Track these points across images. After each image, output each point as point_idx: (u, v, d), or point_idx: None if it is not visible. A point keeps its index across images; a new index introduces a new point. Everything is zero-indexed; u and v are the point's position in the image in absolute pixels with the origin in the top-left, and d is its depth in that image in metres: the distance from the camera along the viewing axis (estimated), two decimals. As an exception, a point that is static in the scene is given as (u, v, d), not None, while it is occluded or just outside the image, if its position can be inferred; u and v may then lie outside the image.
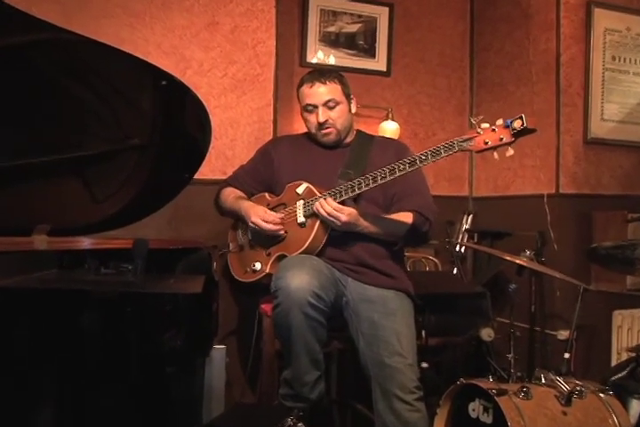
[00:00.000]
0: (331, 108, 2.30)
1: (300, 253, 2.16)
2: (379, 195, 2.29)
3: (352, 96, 2.39)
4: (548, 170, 3.33)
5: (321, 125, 2.31)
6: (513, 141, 1.89)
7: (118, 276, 1.64)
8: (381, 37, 3.64)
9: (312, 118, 2.33)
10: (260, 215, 2.24)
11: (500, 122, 1.90)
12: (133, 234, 2.05)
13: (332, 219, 2.10)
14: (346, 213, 2.09)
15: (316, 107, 2.30)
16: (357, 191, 2.10)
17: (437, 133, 3.77)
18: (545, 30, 3.38)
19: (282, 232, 2.24)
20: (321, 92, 2.29)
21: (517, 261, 2.61)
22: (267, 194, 2.42)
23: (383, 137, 2.72)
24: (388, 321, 2.11)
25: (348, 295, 2.21)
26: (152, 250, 1.69)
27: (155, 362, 1.56)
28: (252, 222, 2.25)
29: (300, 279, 1.99)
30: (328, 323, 2.06)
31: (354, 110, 2.41)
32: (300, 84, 2.35)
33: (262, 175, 2.47)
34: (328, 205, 2.08)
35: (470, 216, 3.72)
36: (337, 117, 2.31)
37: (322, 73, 2.33)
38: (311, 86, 2.30)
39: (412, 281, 2.32)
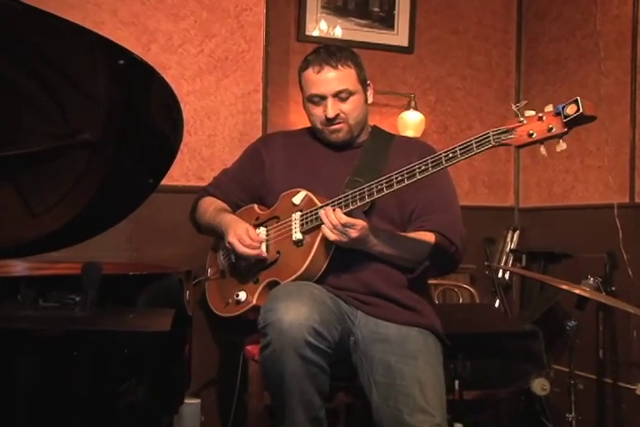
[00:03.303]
0: (343, 100, 2.33)
1: (296, 280, 2.18)
2: (393, 209, 2.31)
3: (369, 82, 2.42)
4: (619, 173, 3.34)
5: (329, 121, 2.34)
6: (565, 132, 1.89)
7: (62, 310, 1.66)
8: (402, 2, 3.68)
9: (318, 111, 2.35)
10: (239, 235, 2.27)
11: (548, 108, 1.91)
12: (82, 256, 2.07)
13: (336, 235, 2.11)
14: (358, 228, 2.11)
15: (323, 98, 2.33)
16: (367, 200, 2.11)
17: (474, 126, 3.81)
18: (618, -10, 3.41)
19: (264, 255, 2.27)
20: (331, 79, 2.31)
21: (578, 292, 2.62)
22: (256, 206, 2.44)
23: (405, 137, 2.74)
24: (409, 367, 2.12)
25: (357, 333, 2.23)
26: (106, 276, 1.71)
27: (107, 421, 1.58)
28: (229, 243, 2.28)
29: (296, 312, 2.00)
30: (331, 369, 2.07)
31: (370, 100, 2.43)
32: (304, 67, 2.37)
33: (251, 182, 2.49)
34: (335, 218, 2.10)
35: (516, 233, 3.74)
36: (350, 111, 2.34)
37: (331, 53, 2.34)
38: (318, 71, 2.32)
39: (440, 316, 2.33)
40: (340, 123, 2.34)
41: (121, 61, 1.76)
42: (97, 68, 1.82)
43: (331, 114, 2.31)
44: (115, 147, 2.00)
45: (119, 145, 2.00)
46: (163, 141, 2.07)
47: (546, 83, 3.78)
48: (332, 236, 2.11)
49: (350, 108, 2.33)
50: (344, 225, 2.09)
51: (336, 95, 2.31)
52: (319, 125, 2.37)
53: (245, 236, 2.26)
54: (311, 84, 2.33)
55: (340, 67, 2.31)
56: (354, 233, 2.11)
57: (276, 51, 3.32)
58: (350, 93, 2.32)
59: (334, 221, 2.10)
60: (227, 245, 2.30)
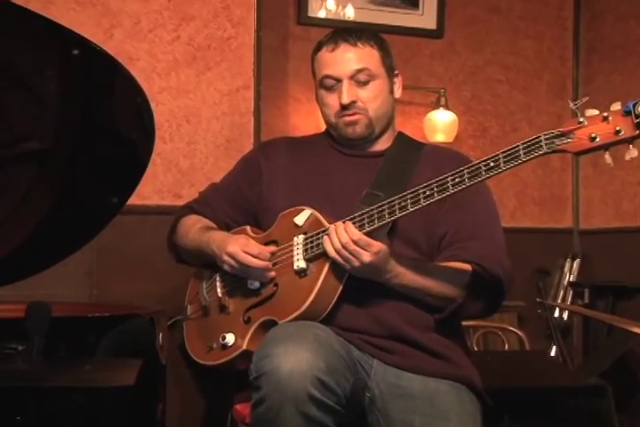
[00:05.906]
0: (361, 85, 2.33)
1: (298, 319, 2.17)
2: (419, 233, 2.30)
3: (397, 72, 2.43)
4: None
5: (344, 109, 2.36)
6: (637, 136, 1.90)
7: (1, 362, 1.67)
8: (429, -24, 3.72)
9: (332, 100, 2.36)
10: (242, 243, 2.26)
11: (616, 106, 1.92)
12: (29, 295, 2.08)
13: (346, 256, 2.11)
14: (373, 251, 2.11)
15: (338, 80, 2.34)
16: (388, 219, 2.10)
17: (520, 128, 3.83)
18: None
19: (272, 274, 2.25)
20: (348, 58, 2.32)
21: (655, 335, 2.62)
22: (249, 228, 2.43)
23: (436, 146, 2.75)
24: (439, 430, 2.12)
25: (373, 387, 2.21)
26: (58, 320, 1.72)
27: None
28: (228, 254, 2.26)
29: (297, 359, 1.99)
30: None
31: (397, 94, 2.44)
32: (317, 49, 2.38)
33: (245, 198, 2.49)
34: (345, 233, 2.09)
35: (576, 262, 3.74)
36: (369, 99, 2.34)
37: (351, 31, 2.37)
38: (333, 49, 2.33)
39: (478, 367, 2.33)
40: (356, 113, 2.35)
41: (75, 51, 1.78)
42: (45, 59, 1.84)
43: (345, 100, 2.30)
44: (69, 157, 2.02)
45: (74, 155, 2.02)
46: (129, 151, 2.09)
47: (611, 72, 3.79)
48: (337, 259, 2.10)
49: (370, 95, 2.33)
50: (356, 243, 2.08)
51: (353, 77, 2.32)
52: (333, 118, 2.37)
53: (251, 245, 2.26)
54: (324, 64, 2.35)
55: (359, 44, 2.32)
56: (367, 257, 2.09)
57: (271, 37, 3.34)
58: (371, 76, 2.32)
59: (344, 237, 2.09)
60: (224, 258, 2.28)
